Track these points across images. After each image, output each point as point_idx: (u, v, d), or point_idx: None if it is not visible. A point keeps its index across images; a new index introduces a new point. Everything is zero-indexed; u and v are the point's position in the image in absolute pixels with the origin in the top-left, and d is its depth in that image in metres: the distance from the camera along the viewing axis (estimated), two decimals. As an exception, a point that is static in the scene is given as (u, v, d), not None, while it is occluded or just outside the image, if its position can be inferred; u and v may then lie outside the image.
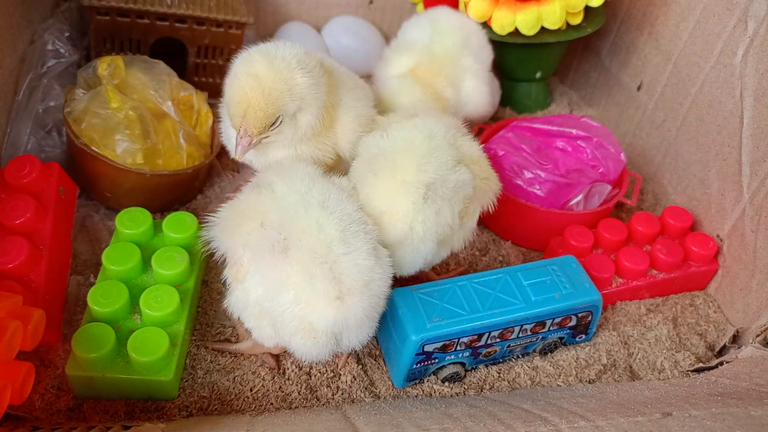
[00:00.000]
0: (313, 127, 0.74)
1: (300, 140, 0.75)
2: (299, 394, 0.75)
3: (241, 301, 0.69)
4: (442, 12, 1.05)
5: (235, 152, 0.71)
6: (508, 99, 1.22)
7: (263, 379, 0.75)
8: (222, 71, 1.09)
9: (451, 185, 0.72)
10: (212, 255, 0.69)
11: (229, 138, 0.80)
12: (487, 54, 1.06)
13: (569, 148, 0.97)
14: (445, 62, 1.00)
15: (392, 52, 1.03)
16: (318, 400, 0.75)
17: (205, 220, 0.70)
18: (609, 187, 0.94)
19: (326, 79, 0.75)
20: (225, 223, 0.68)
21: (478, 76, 1.03)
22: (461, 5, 1.08)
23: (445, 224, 0.73)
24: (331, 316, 0.64)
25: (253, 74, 0.69)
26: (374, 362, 0.79)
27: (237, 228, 0.67)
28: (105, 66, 0.88)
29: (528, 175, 0.93)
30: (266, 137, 0.71)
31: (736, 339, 0.85)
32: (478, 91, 1.03)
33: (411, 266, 0.76)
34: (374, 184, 0.72)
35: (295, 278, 0.64)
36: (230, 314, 0.81)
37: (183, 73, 1.04)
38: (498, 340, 0.76)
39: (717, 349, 0.85)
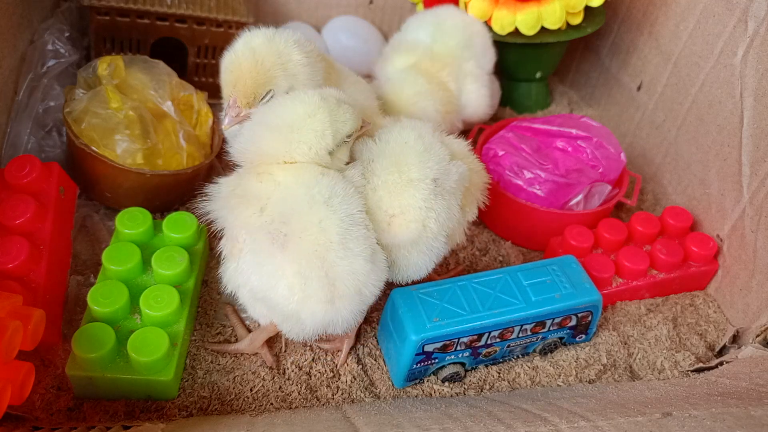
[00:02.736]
0: None
1: None
2: (299, 394, 0.75)
3: (235, 278, 0.68)
4: (448, 11, 1.05)
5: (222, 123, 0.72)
6: (508, 99, 1.22)
7: (263, 379, 0.75)
8: (222, 71, 1.10)
9: (454, 177, 0.72)
10: (213, 251, 0.69)
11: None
12: (490, 57, 1.06)
13: (569, 148, 0.97)
14: (447, 61, 1.00)
15: (393, 50, 1.02)
16: (318, 400, 0.75)
17: (204, 193, 0.69)
18: (609, 187, 0.94)
19: (324, 66, 0.76)
20: (224, 202, 0.67)
21: (479, 80, 1.03)
22: (461, 5, 1.08)
23: (453, 218, 0.73)
24: (320, 317, 0.65)
25: (250, 47, 0.71)
26: (374, 362, 0.79)
27: (235, 209, 0.66)
28: (105, 66, 0.88)
29: (528, 175, 0.93)
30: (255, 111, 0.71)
31: (736, 339, 0.85)
32: (477, 94, 1.03)
33: (424, 268, 0.75)
34: (379, 188, 0.71)
35: (290, 277, 0.64)
36: (229, 314, 0.81)
37: (183, 73, 1.04)
38: (498, 340, 0.76)
39: (717, 349, 0.85)
